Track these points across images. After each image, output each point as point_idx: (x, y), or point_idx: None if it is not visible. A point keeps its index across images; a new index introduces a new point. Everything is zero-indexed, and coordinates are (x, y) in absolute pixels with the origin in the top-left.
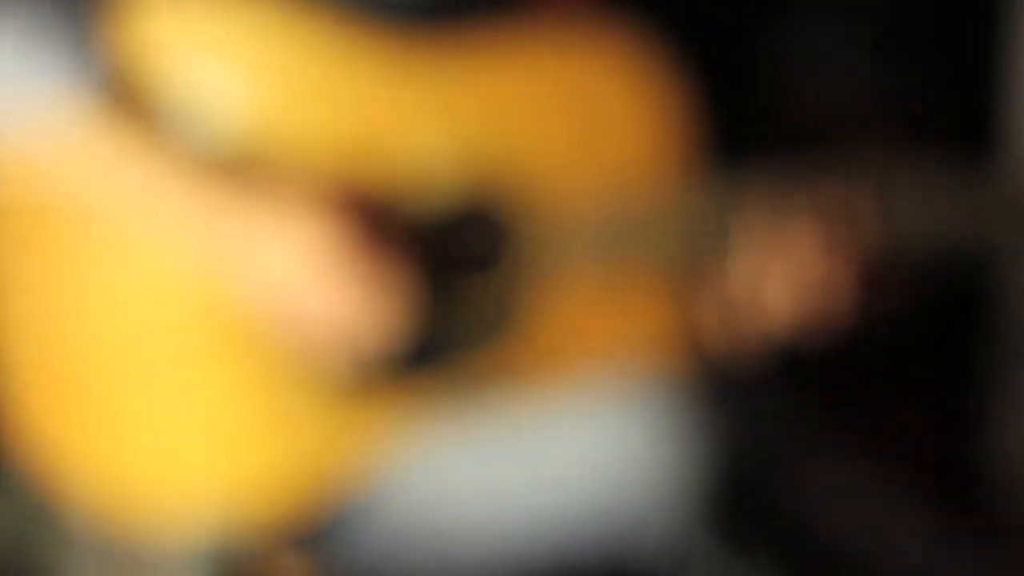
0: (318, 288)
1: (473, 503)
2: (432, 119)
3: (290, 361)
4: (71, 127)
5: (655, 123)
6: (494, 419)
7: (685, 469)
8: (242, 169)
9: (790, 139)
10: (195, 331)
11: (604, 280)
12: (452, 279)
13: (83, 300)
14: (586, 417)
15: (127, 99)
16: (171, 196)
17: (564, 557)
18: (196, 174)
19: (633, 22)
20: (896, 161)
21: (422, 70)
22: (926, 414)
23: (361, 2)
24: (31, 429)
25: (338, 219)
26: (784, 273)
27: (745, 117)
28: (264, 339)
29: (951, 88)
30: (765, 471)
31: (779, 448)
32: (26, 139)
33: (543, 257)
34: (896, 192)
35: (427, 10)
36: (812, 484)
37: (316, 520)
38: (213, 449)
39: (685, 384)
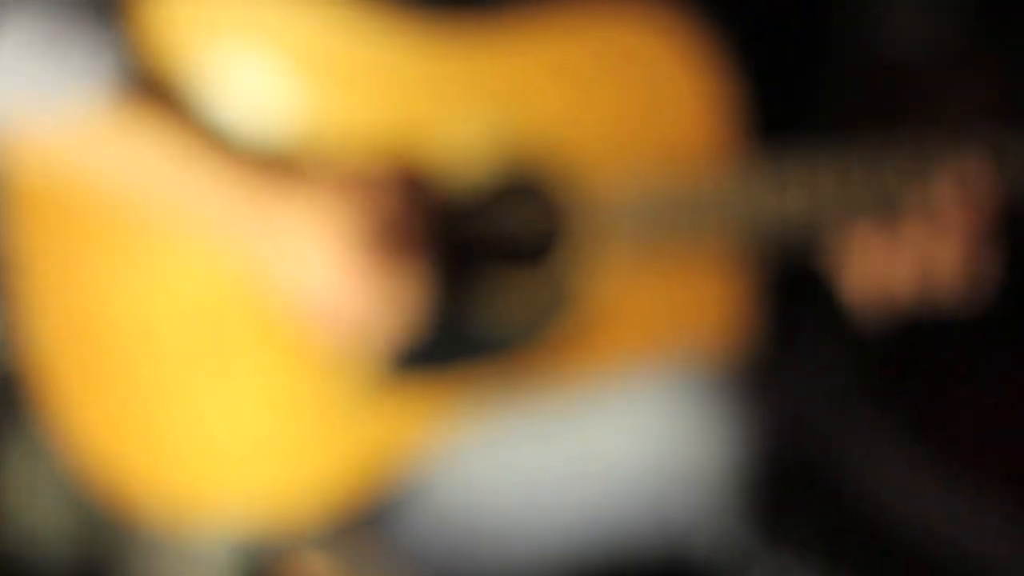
0: (355, 280)
1: (517, 495)
2: (472, 96)
3: (329, 355)
4: (99, 116)
5: (707, 100)
6: (540, 409)
7: (734, 459)
8: (274, 157)
9: (882, 109)
10: (230, 325)
11: (655, 264)
12: (501, 265)
13: (114, 295)
14: (633, 407)
15: (158, 86)
16: (204, 187)
17: (612, 550)
18: (228, 164)
19: None
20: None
21: (461, 46)
22: (999, 401)
23: None
24: (62, 418)
25: (375, 205)
26: (904, 253)
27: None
28: (302, 333)
29: None
30: (819, 460)
31: (835, 436)
32: (54, 128)
33: (592, 239)
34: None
35: None
36: (871, 473)
37: (360, 510)
38: (252, 445)
39: (733, 371)
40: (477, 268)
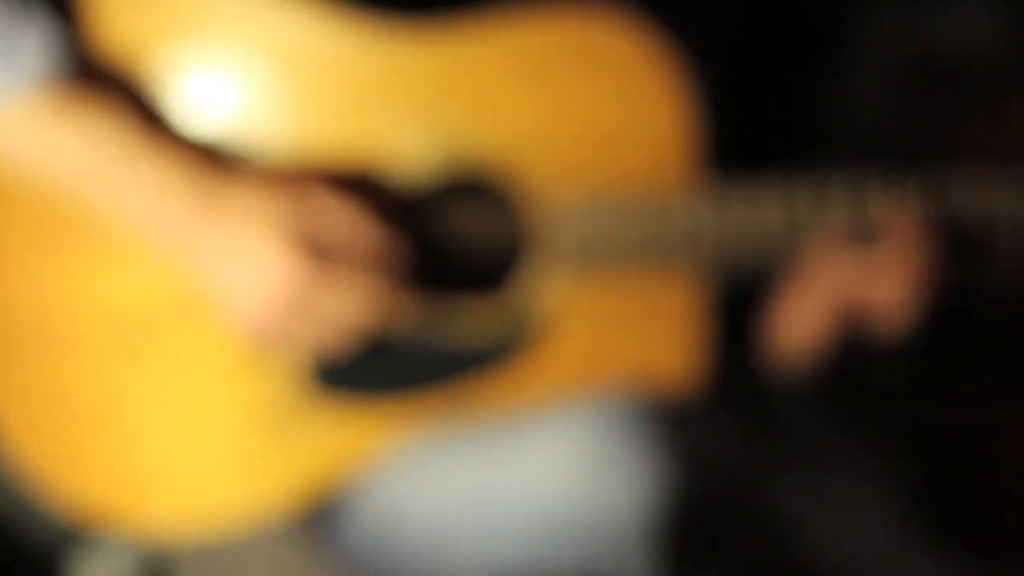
0: (284, 283)
1: (442, 513)
2: (428, 96)
3: (260, 361)
4: (34, 102)
5: (675, 112)
6: (472, 428)
7: (653, 494)
8: (217, 152)
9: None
10: (166, 324)
11: (611, 293)
12: (456, 282)
13: (46, 287)
14: (555, 435)
15: (100, 76)
16: (140, 182)
17: (524, 573)
18: (169, 158)
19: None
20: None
21: (417, 45)
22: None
23: None
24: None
25: (319, 208)
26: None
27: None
28: (236, 336)
29: None
30: (744, 492)
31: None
32: None
33: (549, 254)
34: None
35: None
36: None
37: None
38: (182, 450)
39: (661, 406)
40: (430, 284)
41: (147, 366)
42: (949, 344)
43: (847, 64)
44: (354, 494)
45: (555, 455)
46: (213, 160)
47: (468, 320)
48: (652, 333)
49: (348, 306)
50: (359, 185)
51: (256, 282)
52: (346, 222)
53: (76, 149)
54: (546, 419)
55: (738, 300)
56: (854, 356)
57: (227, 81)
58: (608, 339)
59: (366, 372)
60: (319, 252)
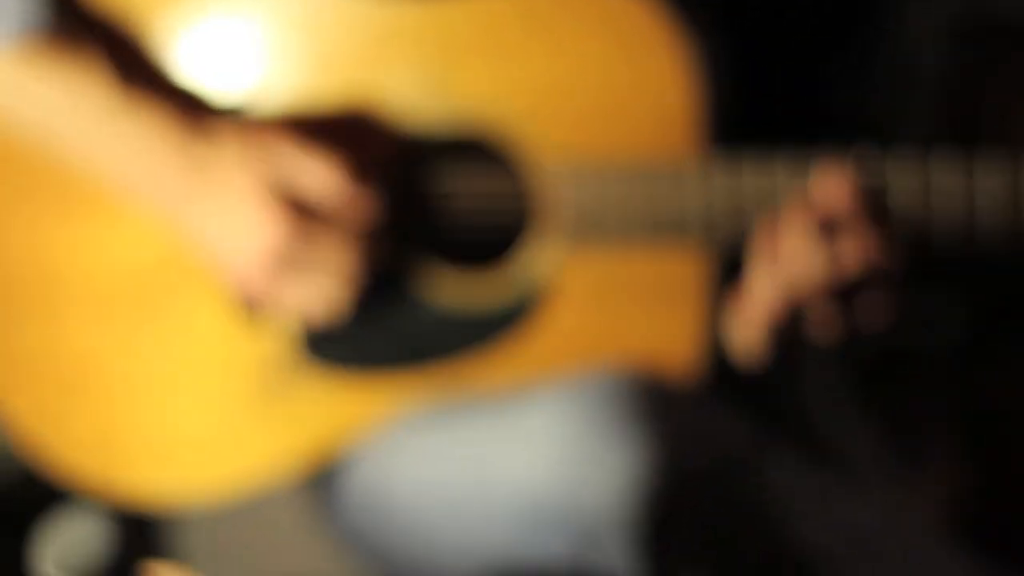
0: (270, 246)
1: (420, 488)
2: (427, 46)
3: (251, 322)
4: (22, 54)
5: (676, 84)
6: (462, 403)
7: (635, 475)
8: (209, 107)
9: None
10: (165, 283)
11: (611, 259)
12: (455, 247)
13: (42, 246)
14: (543, 412)
15: (90, 29)
16: (128, 137)
17: (513, 559)
18: (160, 111)
19: None
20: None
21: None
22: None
23: None
24: None
25: (313, 163)
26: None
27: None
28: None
29: None
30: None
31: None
32: None
33: (551, 219)
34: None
35: None
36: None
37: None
38: (175, 411)
39: (650, 388)
40: (430, 247)
41: (139, 328)
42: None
43: (873, 35)
44: (346, 463)
45: (540, 438)
46: (194, 113)
47: (466, 289)
48: (654, 309)
49: (331, 262)
50: (350, 136)
51: (240, 238)
52: (317, 174)
53: (58, 106)
54: (534, 399)
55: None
56: (904, 319)
57: (223, 30)
58: (608, 314)
59: (358, 345)
60: (295, 205)
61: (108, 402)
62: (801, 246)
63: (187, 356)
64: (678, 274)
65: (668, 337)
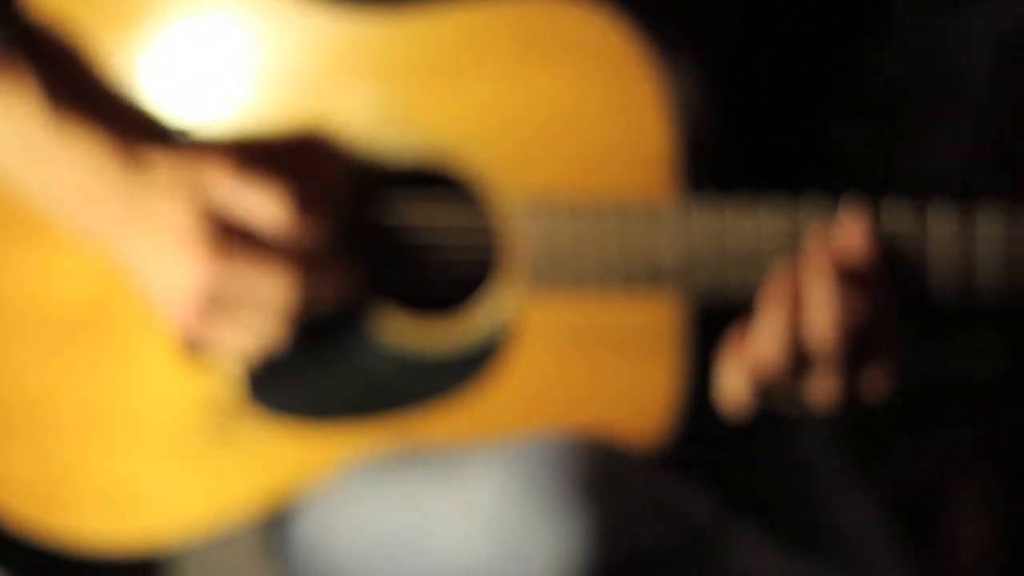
0: (200, 277)
1: (359, 542)
2: (384, 71)
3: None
4: None
5: (642, 117)
6: (412, 453)
7: (579, 551)
8: (157, 128)
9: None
10: (112, 317)
11: (575, 306)
12: (415, 285)
13: None
14: (485, 476)
15: (39, 49)
16: (69, 160)
17: None
18: (104, 134)
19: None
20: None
21: (377, 17)
22: None
23: None
24: None
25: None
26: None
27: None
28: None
29: None
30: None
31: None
32: None
33: (505, 261)
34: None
35: None
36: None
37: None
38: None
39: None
40: (382, 287)
41: (83, 364)
42: None
43: (867, 71)
44: (293, 510)
45: (476, 507)
46: (129, 141)
47: (424, 332)
48: (624, 361)
49: (266, 299)
50: (298, 161)
51: (169, 275)
52: (257, 203)
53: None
54: (476, 462)
55: (716, 328)
56: (943, 348)
57: (174, 48)
58: (573, 365)
59: (308, 391)
60: (228, 238)
61: (49, 443)
62: (825, 295)
63: (131, 395)
64: (651, 324)
65: (638, 392)
